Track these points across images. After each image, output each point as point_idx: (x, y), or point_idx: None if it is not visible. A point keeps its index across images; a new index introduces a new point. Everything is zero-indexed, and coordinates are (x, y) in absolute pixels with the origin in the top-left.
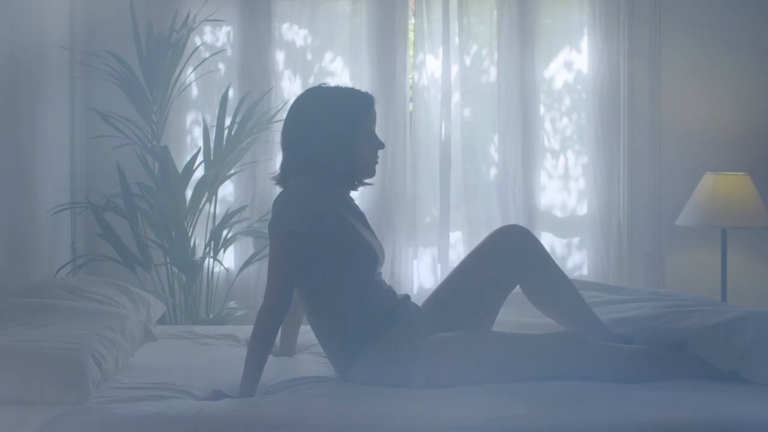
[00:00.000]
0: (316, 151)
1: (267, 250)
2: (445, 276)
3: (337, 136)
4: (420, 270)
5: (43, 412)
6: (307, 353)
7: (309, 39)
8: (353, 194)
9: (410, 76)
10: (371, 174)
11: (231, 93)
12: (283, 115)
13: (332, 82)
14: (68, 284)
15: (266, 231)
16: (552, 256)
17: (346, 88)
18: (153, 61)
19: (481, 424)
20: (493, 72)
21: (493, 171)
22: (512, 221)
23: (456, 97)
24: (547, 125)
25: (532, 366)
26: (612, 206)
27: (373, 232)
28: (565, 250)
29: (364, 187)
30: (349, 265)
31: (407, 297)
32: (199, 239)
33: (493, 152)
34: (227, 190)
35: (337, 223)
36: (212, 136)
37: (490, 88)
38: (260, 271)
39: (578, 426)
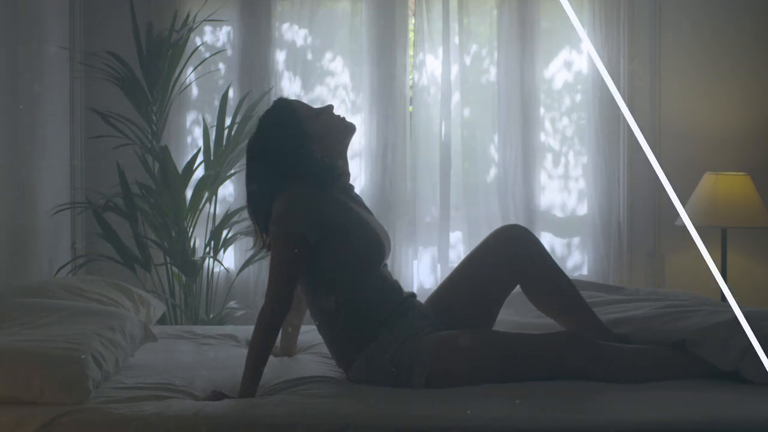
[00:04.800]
0: (292, 163)
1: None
2: (445, 276)
3: (294, 143)
4: (420, 270)
5: (43, 412)
6: (308, 353)
7: (309, 39)
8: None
9: (410, 77)
10: (348, 128)
11: (231, 93)
12: None
13: (332, 82)
14: (68, 284)
15: None
16: (552, 256)
17: (262, 116)
18: (153, 61)
19: (481, 424)
20: (493, 72)
21: (493, 171)
22: (512, 221)
23: (456, 97)
24: (547, 125)
25: (533, 366)
26: (612, 206)
27: (376, 219)
28: (565, 250)
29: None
30: (353, 261)
31: (413, 295)
32: (199, 239)
33: (493, 152)
34: (227, 190)
35: (342, 216)
36: (212, 136)
37: (490, 88)
38: (260, 271)
39: (578, 426)
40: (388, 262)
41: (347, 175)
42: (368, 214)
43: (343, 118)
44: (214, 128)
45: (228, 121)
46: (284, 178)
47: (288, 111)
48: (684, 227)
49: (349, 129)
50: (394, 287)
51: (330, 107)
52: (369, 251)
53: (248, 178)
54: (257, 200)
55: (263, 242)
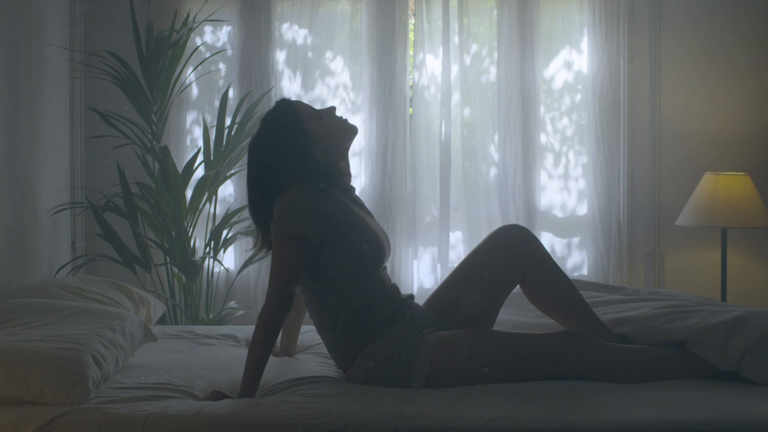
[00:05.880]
0: (294, 164)
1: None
2: (445, 276)
3: (296, 144)
4: (420, 270)
5: (43, 412)
6: (308, 353)
7: (309, 39)
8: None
9: (410, 77)
10: (350, 130)
11: (231, 93)
12: None
13: (332, 82)
14: (68, 284)
15: None
16: (552, 256)
17: (264, 117)
18: (153, 61)
19: (481, 424)
20: (493, 72)
21: (493, 171)
22: (512, 221)
23: (456, 97)
24: (547, 125)
25: (532, 366)
26: (612, 206)
27: (376, 221)
28: (565, 250)
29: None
30: (354, 262)
31: (411, 296)
32: (199, 239)
33: (493, 152)
34: (227, 190)
35: (343, 217)
36: (212, 136)
37: (490, 88)
38: (260, 271)
39: (578, 426)
40: (388, 264)
41: (348, 176)
42: (369, 216)
43: (345, 120)
44: (214, 128)
45: (228, 121)
46: (285, 179)
47: (290, 112)
48: (684, 227)
49: (351, 131)
50: (393, 289)
51: (332, 109)
52: (369, 253)
53: (249, 178)
54: (258, 200)
55: (263, 242)
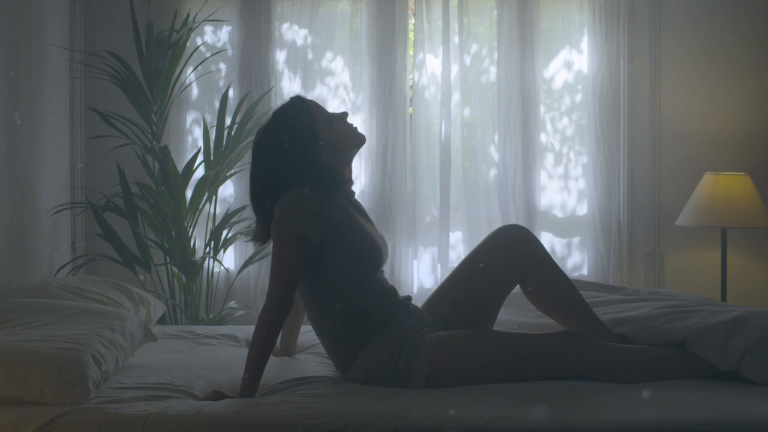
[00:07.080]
0: (299, 163)
1: (267, 250)
2: (445, 276)
3: (304, 144)
4: (420, 270)
5: (43, 412)
6: (308, 353)
7: (309, 39)
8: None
9: (410, 77)
10: (359, 139)
11: (231, 93)
12: None
13: (332, 82)
14: (68, 284)
15: None
16: (552, 256)
17: (276, 110)
18: (153, 61)
19: (481, 424)
20: (493, 72)
21: (493, 171)
22: (512, 221)
23: (456, 97)
24: (547, 125)
25: (532, 366)
26: (612, 206)
27: (375, 227)
28: (565, 250)
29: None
30: (354, 264)
31: (408, 298)
32: (199, 239)
33: (493, 152)
34: (227, 190)
35: (343, 220)
36: (212, 136)
37: (490, 87)
38: (260, 271)
39: (578, 426)
40: (387, 267)
41: (351, 183)
42: (368, 222)
43: (356, 128)
44: (214, 128)
45: (228, 121)
46: (290, 179)
47: (303, 111)
48: (684, 227)
49: (360, 140)
50: (391, 291)
51: (344, 114)
52: (367, 257)
53: (253, 171)
54: (260, 195)
55: (261, 233)
